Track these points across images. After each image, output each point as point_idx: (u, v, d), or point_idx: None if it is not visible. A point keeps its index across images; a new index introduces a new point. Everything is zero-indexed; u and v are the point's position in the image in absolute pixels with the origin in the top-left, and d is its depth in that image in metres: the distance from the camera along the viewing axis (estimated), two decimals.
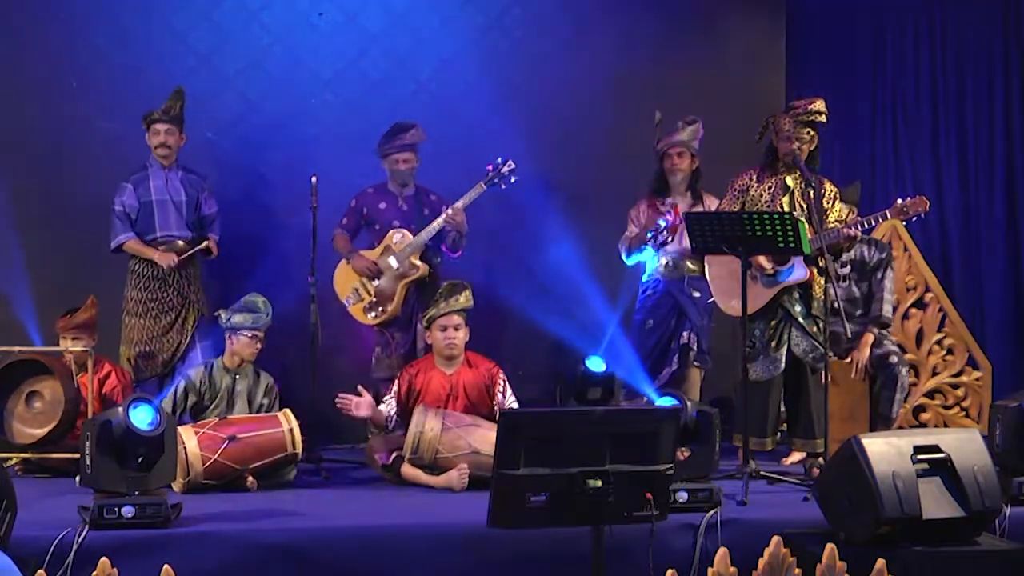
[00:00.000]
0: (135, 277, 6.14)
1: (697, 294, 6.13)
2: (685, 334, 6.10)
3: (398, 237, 6.19)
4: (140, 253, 6.11)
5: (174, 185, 6.18)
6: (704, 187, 6.31)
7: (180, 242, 6.13)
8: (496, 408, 5.48)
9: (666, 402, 4.76)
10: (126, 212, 6.12)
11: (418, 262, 6.17)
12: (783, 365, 5.53)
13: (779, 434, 5.87)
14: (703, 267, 6.05)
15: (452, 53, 7.16)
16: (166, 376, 6.02)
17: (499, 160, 6.16)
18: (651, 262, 6.27)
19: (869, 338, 5.98)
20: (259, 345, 5.57)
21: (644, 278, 6.30)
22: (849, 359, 5.97)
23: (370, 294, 6.20)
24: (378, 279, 6.19)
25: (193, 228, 6.19)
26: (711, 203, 6.13)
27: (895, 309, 6.31)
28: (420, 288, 6.19)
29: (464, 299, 5.57)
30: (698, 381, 6.21)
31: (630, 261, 6.28)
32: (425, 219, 6.20)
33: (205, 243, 6.15)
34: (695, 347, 6.12)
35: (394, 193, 6.31)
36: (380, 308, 6.16)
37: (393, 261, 6.17)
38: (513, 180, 6.17)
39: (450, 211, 6.09)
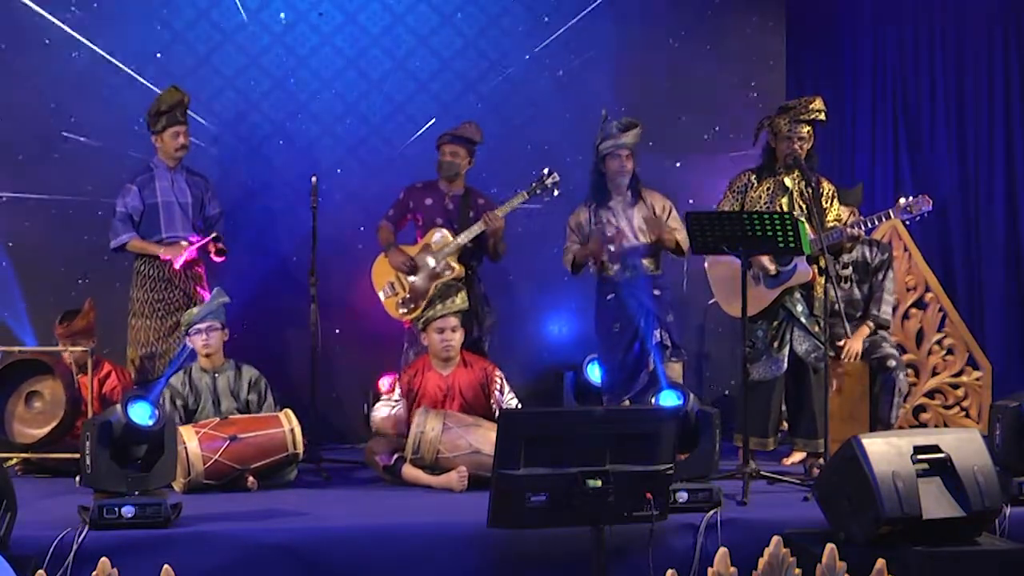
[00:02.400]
0: (140, 278, 6.10)
1: (658, 292, 6.04)
2: (656, 333, 5.98)
3: (438, 236, 6.16)
4: (144, 250, 6.07)
5: (180, 187, 6.15)
6: (698, 187, 6.26)
7: (184, 243, 6.12)
8: (495, 407, 5.48)
9: (670, 397, 4.75)
10: (128, 213, 6.09)
11: (455, 263, 6.14)
12: (786, 365, 5.53)
13: (780, 434, 5.87)
14: (658, 265, 6.01)
15: (452, 53, 7.17)
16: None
17: (544, 171, 6.15)
18: (609, 265, 6.04)
19: (864, 330, 5.98)
20: (211, 335, 5.50)
21: (602, 282, 6.06)
22: (843, 343, 5.94)
23: (404, 290, 6.18)
24: (414, 276, 6.17)
25: (198, 230, 6.17)
26: (654, 201, 6.01)
27: (895, 310, 6.31)
28: None
29: (460, 301, 5.58)
30: (680, 374, 6.12)
31: (577, 274, 6.12)
32: (470, 221, 6.16)
33: (213, 235, 6.10)
34: (668, 344, 6.03)
35: (442, 191, 6.27)
36: (412, 305, 6.14)
37: (430, 260, 6.15)
38: (556, 192, 6.15)
39: (488, 217, 6.05)
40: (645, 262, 6.00)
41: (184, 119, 6.10)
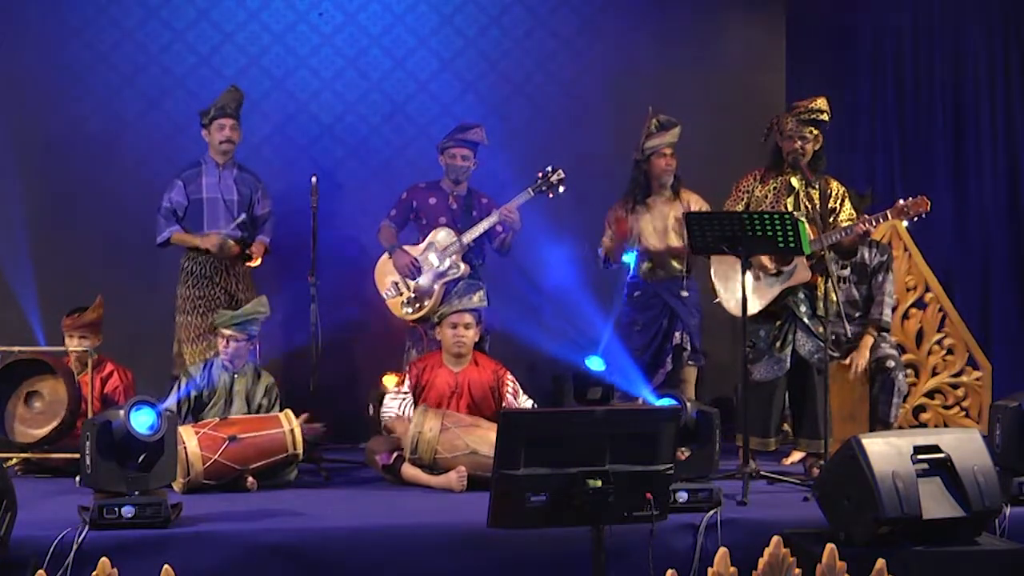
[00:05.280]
0: (184, 275, 6.12)
1: (685, 293, 6.08)
2: (677, 334, 6.04)
3: (443, 235, 6.17)
4: (185, 242, 6.08)
5: (226, 183, 6.14)
6: (699, 187, 6.28)
7: (230, 242, 6.10)
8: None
9: (666, 403, 4.75)
10: (172, 208, 6.09)
11: (460, 262, 6.16)
12: (788, 366, 5.52)
13: (782, 434, 5.86)
14: (689, 266, 6.04)
15: (452, 53, 7.17)
16: None
17: (549, 168, 6.17)
18: (635, 262, 6.14)
19: (868, 340, 5.98)
20: (232, 344, 5.49)
21: (629, 278, 6.19)
22: (849, 360, 5.96)
23: (409, 289, 6.19)
24: (418, 276, 6.18)
25: (244, 228, 6.16)
26: (690, 200, 6.09)
27: (894, 310, 6.31)
28: None
29: (478, 299, 5.60)
30: (693, 379, 6.18)
31: (606, 268, 6.20)
32: (473, 220, 6.19)
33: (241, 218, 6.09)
34: (688, 346, 6.08)
35: (445, 190, 6.29)
36: (417, 304, 6.15)
37: (435, 259, 6.16)
38: (562, 190, 6.17)
39: (504, 209, 6.08)
40: (674, 262, 6.04)
41: (232, 114, 6.09)
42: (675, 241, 5.99)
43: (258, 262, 6.18)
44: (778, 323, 5.54)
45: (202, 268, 6.08)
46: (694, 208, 6.01)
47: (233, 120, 6.10)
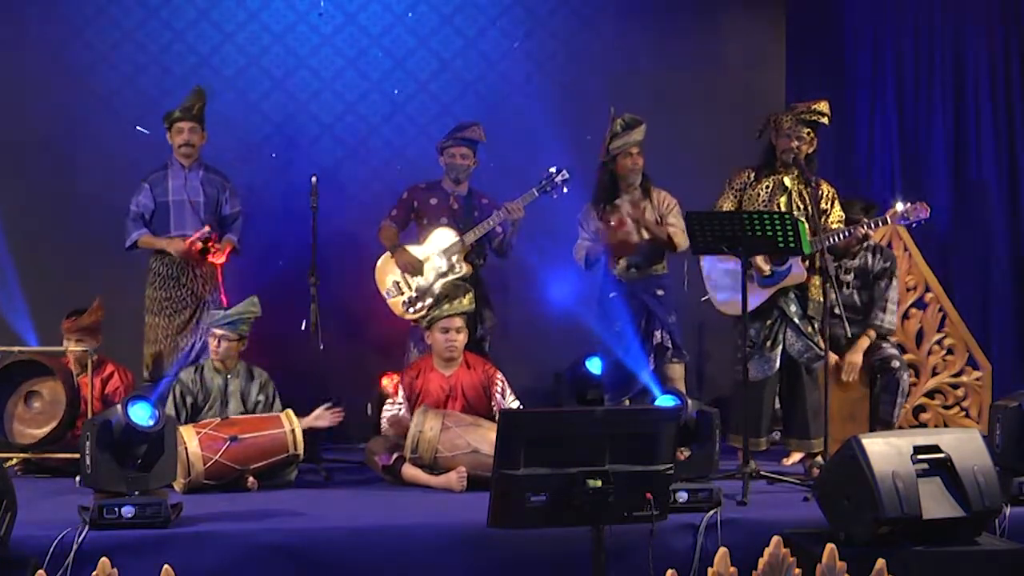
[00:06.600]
0: (152, 276, 6.09)
1: (661, 292, 6.06)
2: (657, 334, 5.97)
3: (445, 235, 6.16)
4: (152, 245, 6.06)
5: (193, 185, 6.11)
6: (697, 187, 6.25)
7: (200, 243, 6.10)
8: (495, 409, 5.49)
9: (667, 402, 4.75)
10: (140, 212, 6.07)
11: (462, 262, 6.16)
12: (778, 365, 5.53)
13: (775, 434, 5.86)
14: (663, 264, 6.03)
15: (452, 53, 7.17)
16: None
17: (553, 169, 6.16)
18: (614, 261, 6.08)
19: (864, 342, 5.95)
20: (223, 344, 5.49)
21: (605, 280, 6.11)
22: (842, 359, 5.93)
23: (410, 289, 6.19)
24: (420, 276, 6.18)
25: (212, 229, 6.14)
26: (660, 199, 6.04)
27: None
28: None
29: (467, 302, 5.61)
30: (682, 376, 6.12)
31: (590, 270, 6.14)
32: (474, 220, 6.18)
33: (207, 229, 6.02)
34: (670, 345, 6.03)
35: (447, 190, 6.28)
36: (419, 304, 6.15)
37: (436, 259, 6.16)
38: (566, 190, 6.15)
39: (509, 206, 6.05)
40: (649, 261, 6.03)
41: (191, 117, 6.04)
42: (645, 235, 5.96)
43: (221, 259, 6.15)
44: (768, 322, 5.54)
45: (168, 269, 6.04)
46: (663, 207, 5.96)
47: (193, 123, 6.05)
